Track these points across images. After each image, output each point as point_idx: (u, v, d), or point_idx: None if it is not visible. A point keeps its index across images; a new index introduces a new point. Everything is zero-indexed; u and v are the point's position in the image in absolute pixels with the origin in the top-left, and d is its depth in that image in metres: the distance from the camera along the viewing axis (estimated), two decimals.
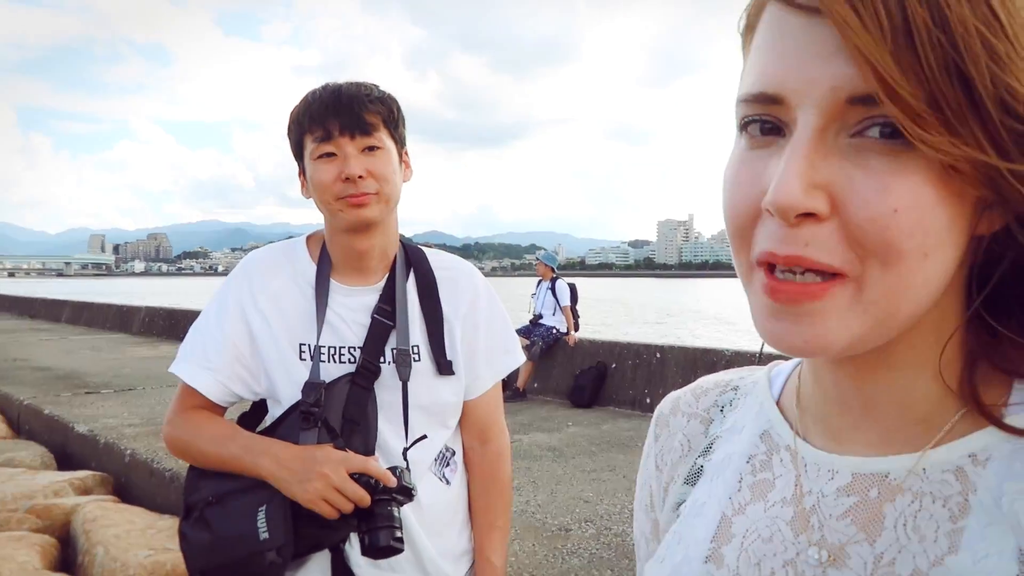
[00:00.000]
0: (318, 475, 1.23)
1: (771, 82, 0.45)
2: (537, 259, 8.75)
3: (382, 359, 1.37)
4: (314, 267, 1.42)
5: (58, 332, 14.68)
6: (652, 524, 0.70)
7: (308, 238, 1.48)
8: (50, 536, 3.89)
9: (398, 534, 1.25)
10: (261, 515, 1.26)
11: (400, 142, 1.42)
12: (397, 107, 1.41)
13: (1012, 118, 0.41)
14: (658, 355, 7.27)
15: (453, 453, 1.46)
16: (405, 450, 1.34)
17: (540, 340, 7.88)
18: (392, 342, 1.38)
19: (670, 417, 0.70)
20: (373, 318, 1.38)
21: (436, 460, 1.42)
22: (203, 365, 1.38)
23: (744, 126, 0.48)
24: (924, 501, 0.50)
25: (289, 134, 1.42)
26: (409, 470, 1.32)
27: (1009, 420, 0.48)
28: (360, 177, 1.33)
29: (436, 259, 1.48)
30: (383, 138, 1.36)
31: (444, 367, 1.39)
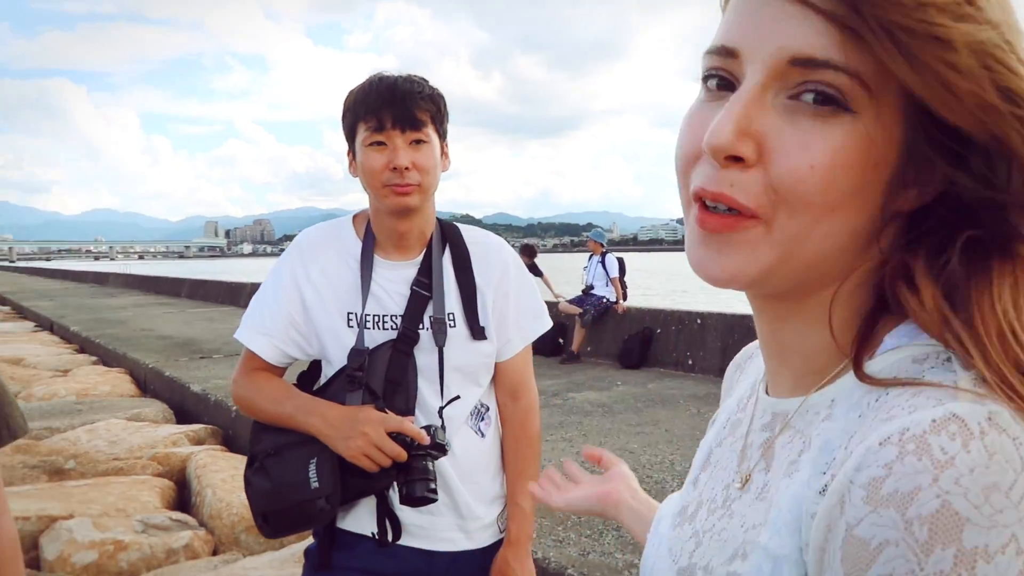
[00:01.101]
0: (360, 434, 1.26)
1: (730, 37, 0.46)
2: (588, 236, 8.70)
3: (420, 326, 1.38)
4: (359, 243, 1.43)
5: (178, 306, 15.22)
6: None
7: (354, 217, 1.49)
8: (168, 480, 4.07)
9: (432, 485, 1.27)
10: (312, 466, 1.30)
11: (443, 136, 1.42)
12: (444, 104, 1.41)
13: (947, 67, 0.40)
14: (699, 321, 7.16)
15: (487, 408, 1.47)
16: (441, 408, 1.35)
17: (592, 308, 7.84)
18: (430, 311, 1.39)
19: (731, 368, 0.74)
20: (412, 290, 1.39)
21: (471, 415, 1.43)
22: (261, 331, 1.41)
23: (705, 79, 0.49)
24: (795, 437, 0.51)
25: (344, 118, 1.41)
26: (444, 426, 1.33)
27: (871, 364, 0.47)
28: (407, 168, 1.33)
29: (469, 235, 1.49)
30: (429, 133, 1.36)
31: (477, 332, 1.40)
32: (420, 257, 1.43)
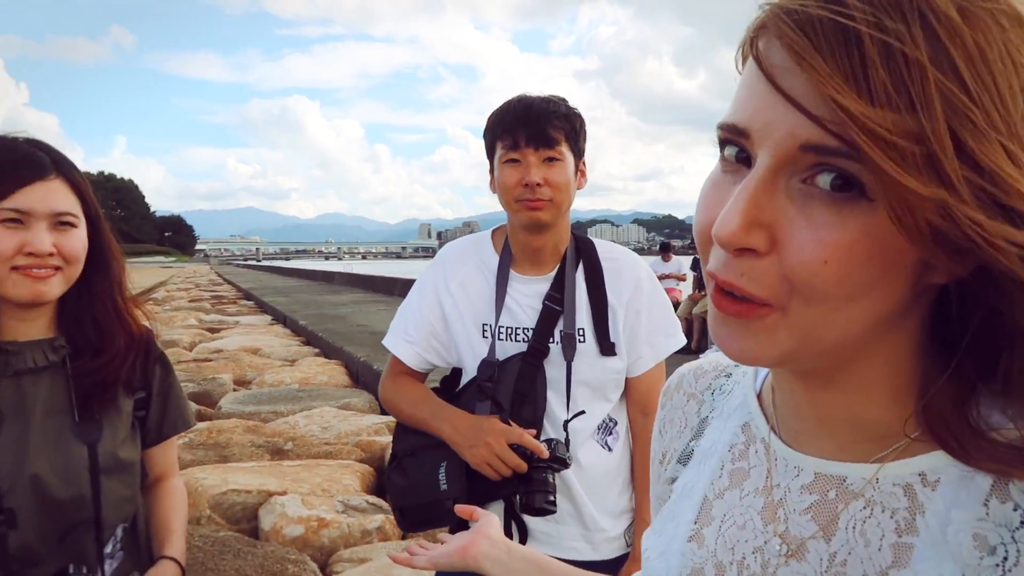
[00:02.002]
0: (484, 443, 1.32)
1: (741, 117, 0.45)
2: None
3: (551, 340, 1.42)
4: (496, 258, 1.50)
5: (391, 304, 16.39)
6: (656, 478, 0.72)
7: (493, 232, 1.56)
8: (369, 466, 4.43)
9: (551, 497, 1.31)
10: (442, 470, 1.38)
11: (578, 154, 1.45)
12: (580, 123, 1.44)
13: (972, 170, 0.38)
14: None
15: (615, 423, 1.47)
16: (566, 421, 1.38)
17: None
18: (560, 325, 1.42)
19: (675, 392, 0.70)
20: (544, 304, 1.44)
21: (599, 429, 1.45)
22: (405, 339, 1.52)
23: (722, 146, 0.47)
24: (875, 509, 0.48)
25: (485, 137, 1.50)
26: (569, 439, 1.36)
27: (977, 449, 0.45)
28: (538, 184, 1.38)
29: (604, 251, 1.50)
30: (563, 151, 1.40)
31: (606, 348, 1.42)
32: (553, 272, 1.47)
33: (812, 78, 0.39)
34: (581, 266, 1.48)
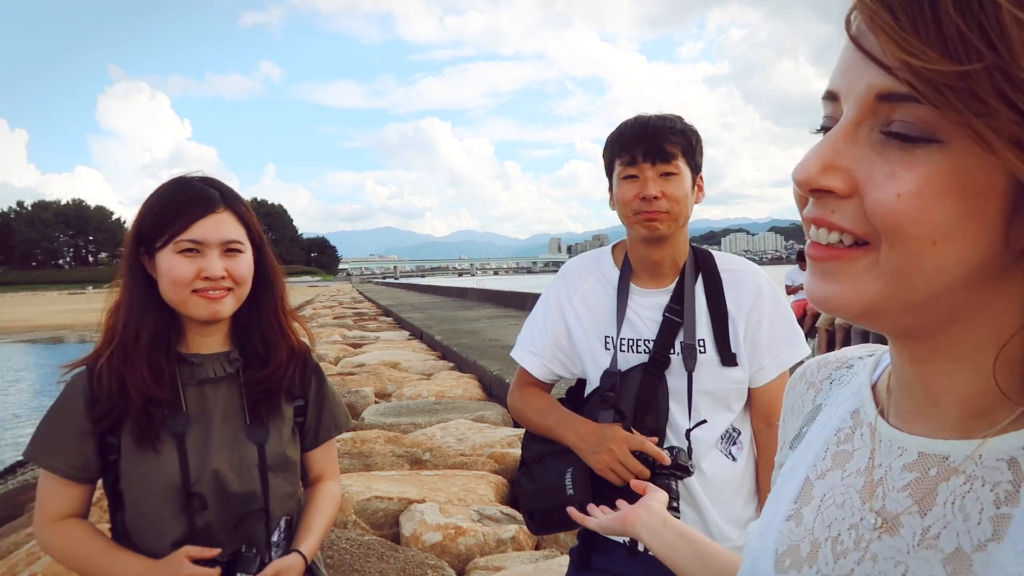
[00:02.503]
0: (607, 450, 1.36)
1: (832, 82, 0.49)
2: None
3: (672, 351, 1.44)
4: (617, 272, 1.54)
5: (522, 318, 16.56)
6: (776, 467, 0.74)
7: (614, 247, 1.60)
8: (503, 477, 4.54)
9: (674, 504, 1.32)
10: (568, 475, 1.43)
11: (695, 169, 1.47)
12: (696, 139, 1.47)
13: None
14: None
15: (739, 433, 1.47)
16: (688, 431, 1.40)
17: None
18: (680, 337, 1.44)
19: (797, 382, 0.73)
20: (664, 316, 1.46)
21: (722, 438, 1.45)
22: (531, 351, 1.59)
23: (822, 129, 0.52)
24: (975, 484, 0.49)
25: (604, 155, 1.55)
26: (691, 448, 1.37)
27: None
28: (655, 198, 1.41)
29: (723, 262, 1.51)
30: (679, 165, 1.43)
31: (727, 359, 1.42)
32: (673, 284, 1.49)
33: (879, 37, 0.43)
34: (700, 278, 1.50)
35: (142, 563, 1.33)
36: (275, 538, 1.43)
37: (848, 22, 0.47)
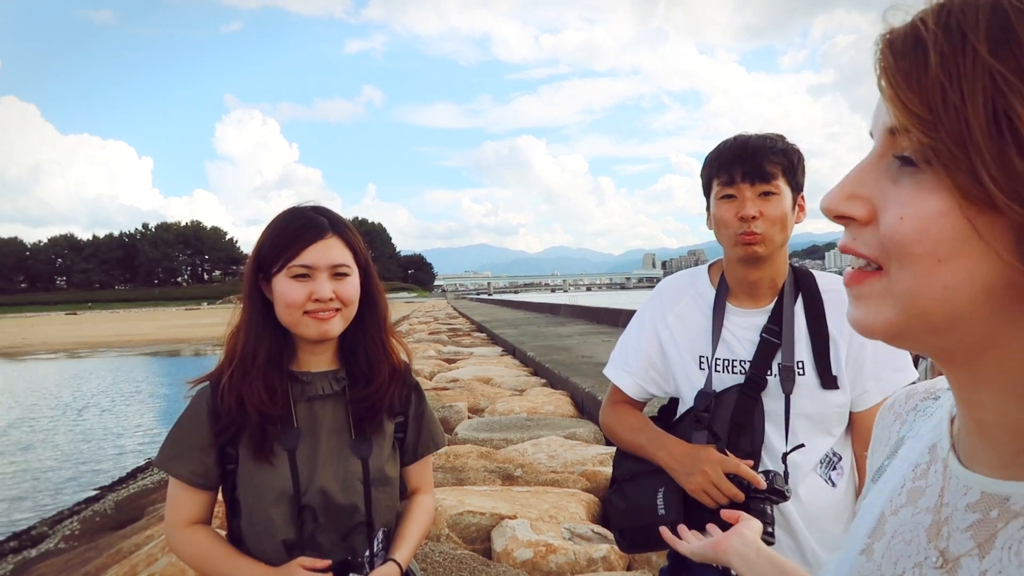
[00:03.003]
0: (700, 471, 1.34)
1: (872, 122, 0.53)
2: None
3: (769, 373, 1.40)
4: (713, 291, 1.51)
5: (615, 335, 16.39)
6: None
7: (710, 266, 1.57)
8: (594, 496, 4.50)
9: (769, 530, 1.28)
10: (660, 495, 1.41)
11: (796, 188, 1.43)
12: (798, 158, 1.43)
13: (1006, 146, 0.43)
14: None
15: (840, 458, 1.41)
16: (785, 454, 1.35)
17: None
18: (778, 358, 1.40)
19: (887, 413, 0.73)
20: (762, 337, 1.43)
21: (821, 463, 1.40)
22: (624, 369, 1.58)
23: None
24: None
25: (702, 174, 1.53)
26: (788, 472, 1.33)
27: None
28: (753, 218, 1.38)
29: (824, 282, 1.46)
30: (779, 185, 1.40)
31: (828, 382, 1.37)
32: (771, 305, 1.46)
33: (887, 90, 0.48)
34: (800, 298, 1.46)
35: (260, 569, 1.42)
36: (375, 548, 1.50)
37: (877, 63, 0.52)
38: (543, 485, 4.66)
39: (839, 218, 0.52)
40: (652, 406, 1.65)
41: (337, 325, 1.45)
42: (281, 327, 1.47)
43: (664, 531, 1.12)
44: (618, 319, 20.41)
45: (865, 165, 0.51)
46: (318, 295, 1.41)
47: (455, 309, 48.74)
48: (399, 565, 1.48)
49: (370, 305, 1.52)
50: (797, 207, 1.45)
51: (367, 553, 1.48)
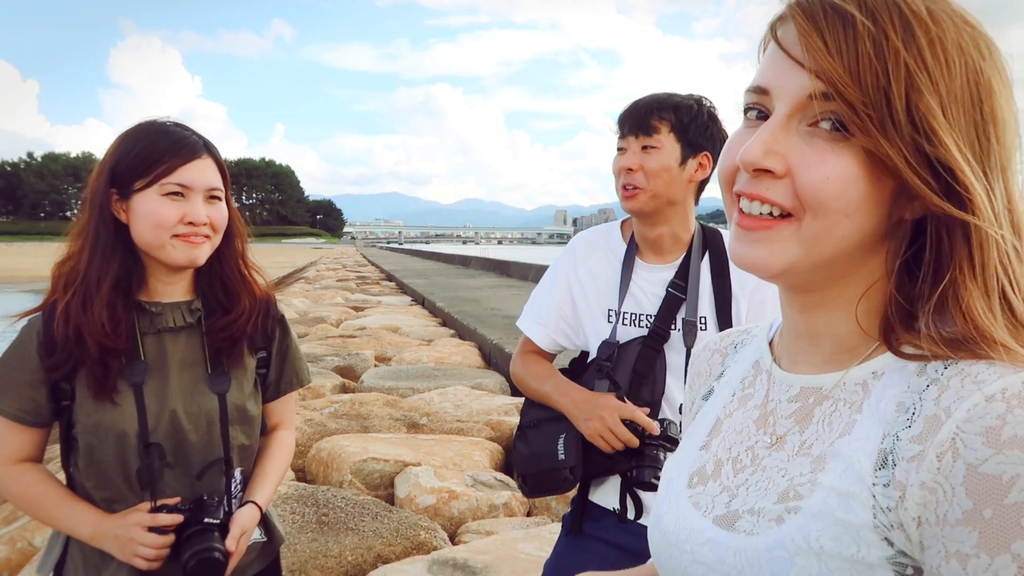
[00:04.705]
0: (598, 417, 1.37)
1: (763, 79, 0.61)
2: None
3: (672, 327, 1.44)
4: (624, 246, 1.54)
5: (524, 289, 16.61)
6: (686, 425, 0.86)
7: (623, 222, 1.60)
8: (498, 444, 4.58)
9: (659, 473, 1.33)
10: (561, 441, 1.44)
11: (690, 146, 1.46)
12: (695, 116, 1.45)
13: (917, 134, 0.54)
14: None
15: None
16: (682, 404, 1.40)
17: None
18: (683, 313, 1.44)
19: (703, 351, 0.88)
20: (667, 291, 1.46)
21: None
22: (536, 321, 1.60)
23: (746, 111, 0.64)
24: (839, 405, 0.63)
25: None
26: (680, 423, 1.38)
27: (904, 349, 0.59)
28: (630, 170, 1.42)
29: None
30: (662, 140, 1.42)
31: None
32: (678, 261, 1.49)
33: (811, 55, 0.56)
34: (707, 256, 1.50)
35: (95, 516, 1.33)
36: (233, 490, 1.42)
37: (774, 31, 0.60)
38: (448, 434, 4.70)
39: (757, 171, 0.59)
40: (564, 358, 1.68)
41: (205, 252, 1.36)
42: (131, 251, 1.35)
43: None
44: (528, 273, 20.60)
45: (776, 126, 0.58)
46: (192, 217, 1.32)
47: (364, 257, 48.01)
48: (259, 507, 1.43)
49: (228, 234, 1.42)
50: (699, 165, 1.48)
51: (223, 494, 1.39)
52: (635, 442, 1.37)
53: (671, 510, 0.73)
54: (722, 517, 0.67)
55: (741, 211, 0.61)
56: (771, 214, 0.59)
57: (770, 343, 0.76)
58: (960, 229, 0.55)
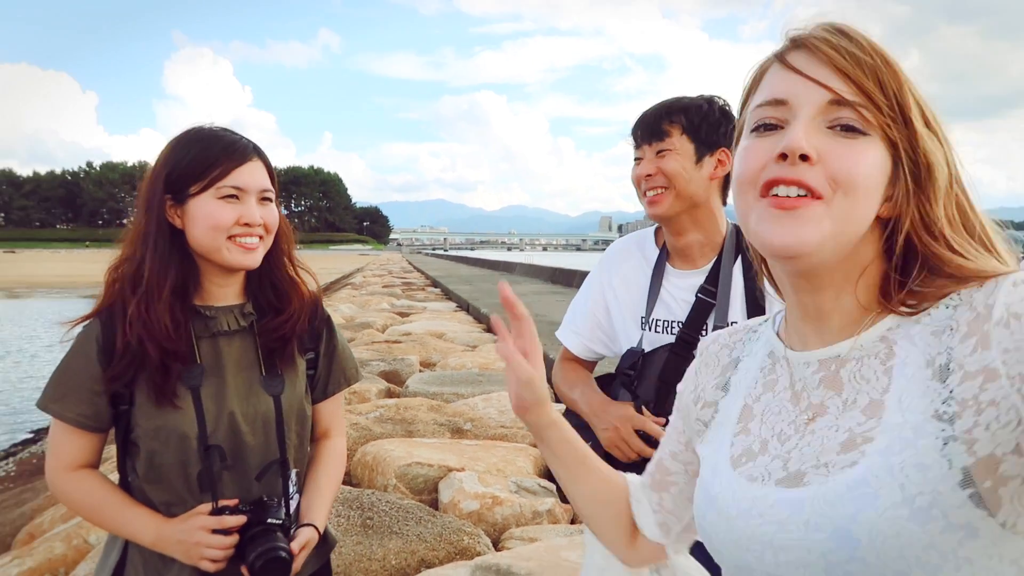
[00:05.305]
0: (612, 427, 1.36)
1: (780, 93, 0.73)
2: None
3: (702, 333, 1.42)
4: (657, 253, 1.52)
5: (568, 295, 16.56)
6: (682, 415, 0.94)
7: (656, 229, 1.58)
8: None
9: None
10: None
11: (705, 144, 1.44)
12: (706, 115, 1.44)
13: (905, 119, 0.70)
14: None
15: None
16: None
17: None
18: (713, 318, 1.42)
19: (711, 344, 0.94)
20: (697, 297, 1.44)
21: None
22: (573, 330, 1.60)
23: (756, 128, 0.75)
24: (864, 359, 0.72)
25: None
26: None
27: (901, 310, 0.71)
28: (649, 176, 1.41)
29: None
30: (675, 142, 1.41)
31: None
32: (709, 266, 1.47)
33: (836, 71, 0.70)
34: (740, 260, 1.47)
35: (156, 521, 1.34)
36: (290, 490, 1.43)
37: (783, 59, 0.73)
38: (492, 439, 4.70)
39: (801, 157, 0.69)
40: (609, 364, 1.67)
41: (260, 254, 1.38)
42: (188, 256, 1.37)
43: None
44: (572, 279, 20.56)
45: (805, 124, 0.70)
46: (248, 219, 1.34)
47: (410, 263, 48.45)
48: (318, 531, 1.44)
49: (277, 236, 1.44)
50: (717, 162, 1.46)
51: (281, 495, 1.41)
52: (649, 453, 1.35)
53: (723, 491, 0.78)
54: (783, 479, 0.72)
55: (775, 196, 0.70)
56: (801, 196, 0.69)
57: (777, 334, 0.84)
58: (918, 181, 0.70)
